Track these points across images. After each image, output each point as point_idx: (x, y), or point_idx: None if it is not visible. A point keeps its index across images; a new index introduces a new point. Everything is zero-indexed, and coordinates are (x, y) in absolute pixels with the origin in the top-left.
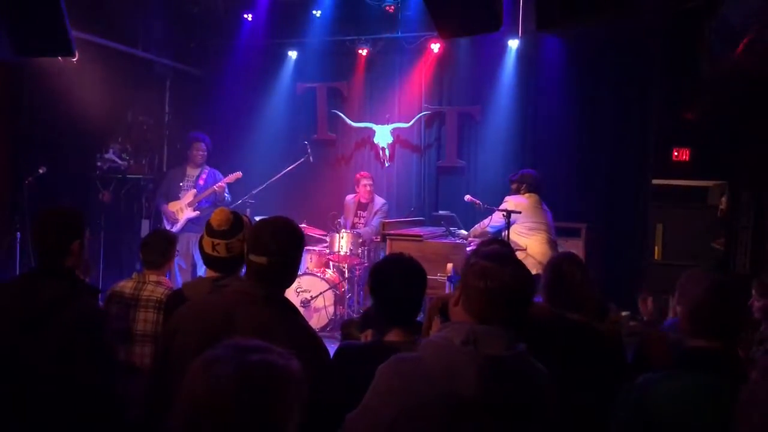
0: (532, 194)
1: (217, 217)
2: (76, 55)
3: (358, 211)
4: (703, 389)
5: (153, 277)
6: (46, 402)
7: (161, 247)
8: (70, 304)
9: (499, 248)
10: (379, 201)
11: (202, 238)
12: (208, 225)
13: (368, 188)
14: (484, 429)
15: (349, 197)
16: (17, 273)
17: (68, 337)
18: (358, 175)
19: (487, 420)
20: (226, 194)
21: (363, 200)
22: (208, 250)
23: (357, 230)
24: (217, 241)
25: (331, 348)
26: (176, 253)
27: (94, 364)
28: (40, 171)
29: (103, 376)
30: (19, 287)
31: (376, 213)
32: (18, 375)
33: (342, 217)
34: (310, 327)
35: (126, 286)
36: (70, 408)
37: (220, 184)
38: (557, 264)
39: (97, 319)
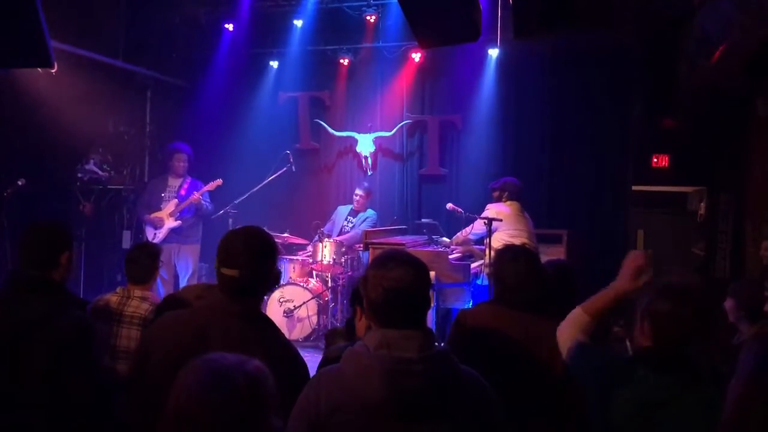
0: (514, 202)
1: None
2: (56, 66)
3: (348, 216)
4: None
5: (138, 293)
6: (36, 414)
7: (145, 262)
8: (58, 316)
9: (387, 250)
10: (370, 211)
11: None
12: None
13: (356, 198)
14: (393, 430)
15: (344, 206)
16: None
17: (57, 351)
18: (355, 186)
19: (396, 421)
20: (206, 203)
21: (355, 207)
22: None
23: (340, 236)
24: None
25: (314, 358)
26: (160, 264)
27: (84, 377)
28: (20, 183)
29: (94, 389)
30: (7, 300)
31: (364, 221)
32: (7, 389)
33: (329, 223)
34: (286, 340)
35: (110, 300)
36: (61, 421)
37: (195, 194)
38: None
39: (87, 333)
